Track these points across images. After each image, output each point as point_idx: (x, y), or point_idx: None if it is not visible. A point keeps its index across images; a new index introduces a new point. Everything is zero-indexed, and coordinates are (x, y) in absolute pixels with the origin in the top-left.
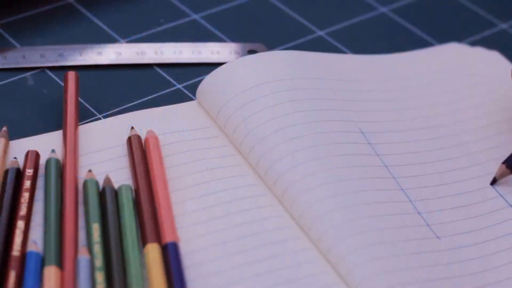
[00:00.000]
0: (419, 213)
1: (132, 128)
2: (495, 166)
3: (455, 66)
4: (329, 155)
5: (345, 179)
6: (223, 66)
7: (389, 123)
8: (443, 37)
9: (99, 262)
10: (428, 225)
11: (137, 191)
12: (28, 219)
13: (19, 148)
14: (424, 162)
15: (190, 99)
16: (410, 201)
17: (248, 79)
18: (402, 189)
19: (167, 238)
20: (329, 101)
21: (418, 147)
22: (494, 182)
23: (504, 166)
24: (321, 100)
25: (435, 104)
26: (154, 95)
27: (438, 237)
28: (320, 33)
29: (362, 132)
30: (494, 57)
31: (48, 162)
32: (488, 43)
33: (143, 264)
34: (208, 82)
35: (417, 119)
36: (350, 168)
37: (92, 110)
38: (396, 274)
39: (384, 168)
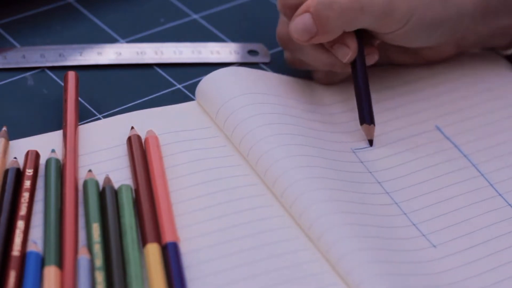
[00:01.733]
0: (413, 224)
1: (132, 128)
2: (485, 164)
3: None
4: (329, 167)
5: (343, 188)
6: (223, 68)
7: (378, 137)
8: None
9: (99, 262)
10: (423, 235)
11: (137, 191)
12: (28, 219)
13: (19, 148)
14: (417, 170)
15: (190, 99)
16: (405, 213)
17: (248, 82)
18: (396, 203)
19: (167, 238)
20: (321, 124)
21: (410, 156)
22: (371, 144)
23: (365, 126)
24: (315, 122)
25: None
26: (154, 95)
27: (434, 246)
28: None
29: (354, 152)
30: (490, 57)
31: (48, 162)
32: None
33: (143, 264)
34: (207, 82)
35: (405, 128)
36: (344, 182)
37: (92, 110)
38: (396, 277)
39: (377, 185)
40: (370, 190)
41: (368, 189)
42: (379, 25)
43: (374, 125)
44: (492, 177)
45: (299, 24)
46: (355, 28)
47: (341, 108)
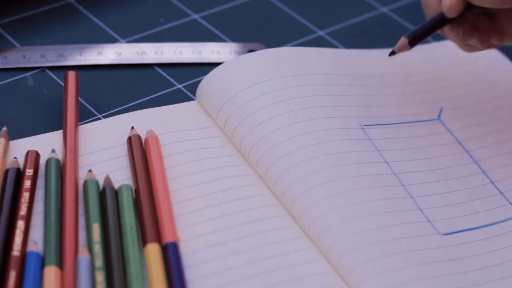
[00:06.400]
0: (420, 209)
1: (132, 128)
2: (495, 162)
3: (456, 62)
4: (329, 153)
5: (345, 177)
6: (222, 65)
7: (390, 118)
8: (442, 37)
9: (99, 262)
10: (429, 221)
11: (137, 191)
12: (28, 219)
13: (19, 148)
14: (424, 157)
15: (190, 99)
16: (411, 197)
17: (246, 78)
18: (403, 185)
19: (167, 238)
20: (328, 97)
21: (419, 143)
22: (392, 53)
23: (406, 40)
24: (320, 96)
25: (435, 100)
26: (154, 95)
27: (439, 234)
28: (320, 33)
29: (363, 128)
30: (493, 56)
31: (48, 162)
32: None
33: (143, 264)
34: (207, 82)
35: (417, 115)
36: (350, 165)
37: (92, 110)
38: (396, 273)
39: (385, 164)
40: (377, 170)
41: (374, 170)
42: None
43: (410, 47)
44: (493, 175)
45: None
46: None
47: (354, 81)
